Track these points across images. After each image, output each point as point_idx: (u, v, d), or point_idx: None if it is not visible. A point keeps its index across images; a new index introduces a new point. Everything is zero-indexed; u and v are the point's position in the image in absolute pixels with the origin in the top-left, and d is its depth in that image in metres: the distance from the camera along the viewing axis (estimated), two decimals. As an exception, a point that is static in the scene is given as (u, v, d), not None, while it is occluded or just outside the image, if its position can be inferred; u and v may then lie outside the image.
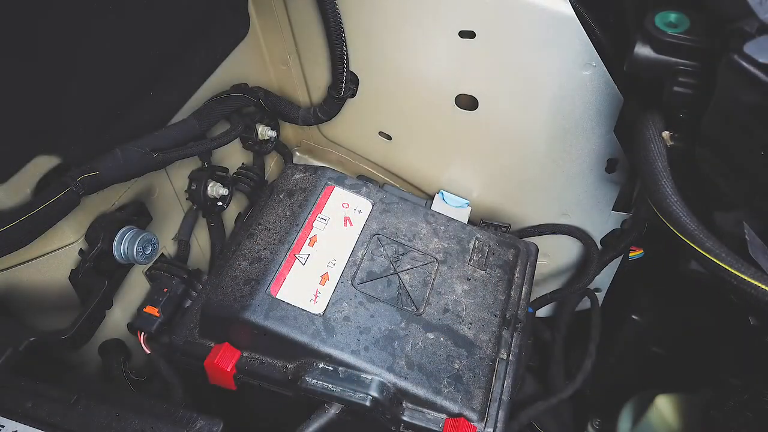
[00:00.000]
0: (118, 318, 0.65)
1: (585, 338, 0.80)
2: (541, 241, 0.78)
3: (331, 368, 0.56)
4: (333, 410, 0.56)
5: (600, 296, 0.91)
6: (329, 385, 0.55)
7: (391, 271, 0.63)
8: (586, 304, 0.88)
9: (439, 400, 0.55)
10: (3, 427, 0.43)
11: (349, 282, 0.61)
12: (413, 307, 0.61)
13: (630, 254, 0.85)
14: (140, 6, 0.59)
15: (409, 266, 0.64)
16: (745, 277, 0.47)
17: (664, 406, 0.73)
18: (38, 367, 0.50)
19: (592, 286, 0.87)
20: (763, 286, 0.47)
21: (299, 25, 0.79)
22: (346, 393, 0.55)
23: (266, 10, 0.79)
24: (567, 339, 0.89)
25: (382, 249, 0.65)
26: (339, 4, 0.72)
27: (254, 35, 0.80)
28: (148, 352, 0.62)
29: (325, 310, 0.57)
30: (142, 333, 0.62)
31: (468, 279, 0.65)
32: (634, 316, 0.83)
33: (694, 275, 0.62)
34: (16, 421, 0.43)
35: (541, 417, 0.87)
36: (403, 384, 0.55)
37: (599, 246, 0.85)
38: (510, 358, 0.60)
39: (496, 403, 0.57)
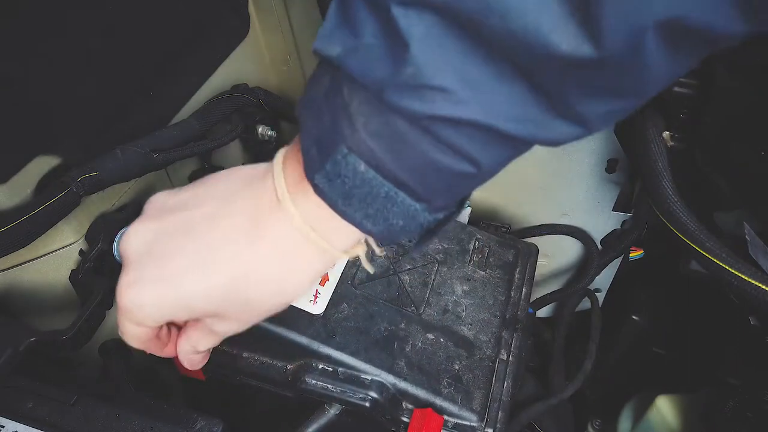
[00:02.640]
0: (118, 318, 0.65)
1: (585, 338, 0.80)
2: (541, 242, 0.78)
3: (330, 369, 0.56)
4: (333, 411, 0.56)
5: (600, 296, 0.91)
6: (329, 386, 0.55)
7: (391, 272, 0.63)
8: (586, 304, 0.88)
9: (439, 401, 0.55)
10: (3, 427, 0.43)
11: (349, 283, 0.61)
12: (413, 308, 0.61)
13: (630, 254, 0.86)
14: (140, 6, 0.59)
15: (409, 267, 0.64)
16: (745, 278, 0.47)
17: (664, 407, 0.73)
18: (38, 367, 0.50)
19: (592, 286, 0.87)
20: (763, 286, 0.47)
21: (299, 25, 0.79)
22: (346, 394, 0.55)
23: (266, 10, 0.79)
24: (567, 339, 0.89)
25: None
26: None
27: (254, 35, 0.80)
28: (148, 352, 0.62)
29: (324, 311, 0.57)
30: (142, 333, 0.62)
31: (468, 280, 0.65)
32: (634, 316, 0.83)
33: (694, 275, 0.62)
34: (16, 421, 0.43)
35: (541, 417, 0.87)
36: (402, 385, 0.55)
37: (599, 246, 0.85)
38: (510, 358, 0.60)
39: (496, 403, 0.56)
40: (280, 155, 0.37)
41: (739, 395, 0.60)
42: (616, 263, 0.88)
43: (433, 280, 0.64)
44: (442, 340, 0.59)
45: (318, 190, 0.33)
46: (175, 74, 0.66)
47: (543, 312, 0.96)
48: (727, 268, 0.48)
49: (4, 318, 0.53)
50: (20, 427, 0.43)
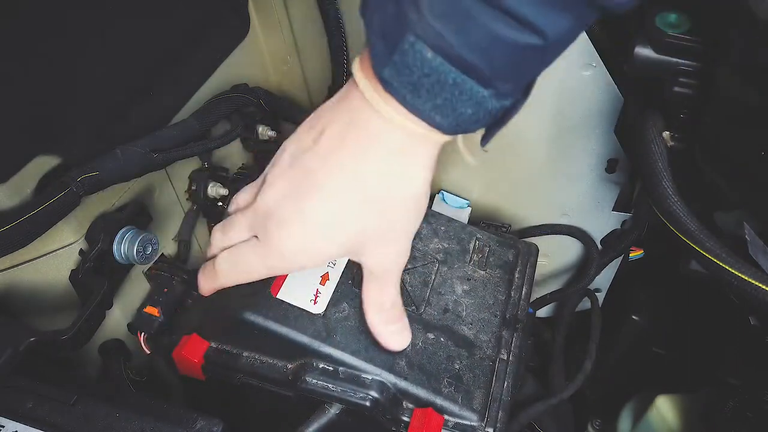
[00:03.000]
0: (118, 318, 0.65)
1: (585, 338, 0.80)
2: (541, 242, 0.78)
3: (331, 368, 0.56)
4: (333, 410, 0.56)
5: (600, 296, 0.91)
6: (329, 386, 0.55)
7: (391, 272, 0.63)
8: (586, 304, 0.88)
9: (439, 401, 0.55)
10: (3, 427, 0.43)
11: (350, 282, 0.61)
12: (413, 307, 0.61)
13: (630, 254, 0.86)
14: (140, 6, 0.59)
15: (409, 266, 0.64)
16: (745, 278, 0.47)
17: (664, 407, 0.73)
18: (38, 367, 0.50)
19: (592, 286, 0.87)
20: (764, 287, 0.47)
21: (299, 25, 0.79)
22: (346, 393, 0.55)
23: (266, 10, 0.79)
24: (567, 339, 0.89)
25: (382, 249, 0.65)
26: (339, 4, 0.72)
27: (254, 35, 0.80)
28: (148, 352, 0.62)
29: (325, 311, 0.57)
30: (142, 333, 0.62)
31: (468, 279, 0.65)
32: (634, 316, 0.83)
33: (694, 275, 0.62)
34: (16, 421, 0.43)
35: (541, 417, 0.87)
36: (403, 384, 0.55)
37: (599, 246, 0.85)
38: (510, 358, 0.60)
39: (496, 403, 0.56)
40: (356, 62, 0.38)
41: (739, 395, 0.60)
42: (616, 263, 0.88)
43: (434, 280, 0.64)
44: (442, 339, 0.59)
45: (386, 86, 0.34)
46: (175, 74, 0.66)
47: (543, 312, 0.96)
48: (727, 268, 0.48)
49: (4, 318, 0.53)
50: (20, 427, 0.43)
